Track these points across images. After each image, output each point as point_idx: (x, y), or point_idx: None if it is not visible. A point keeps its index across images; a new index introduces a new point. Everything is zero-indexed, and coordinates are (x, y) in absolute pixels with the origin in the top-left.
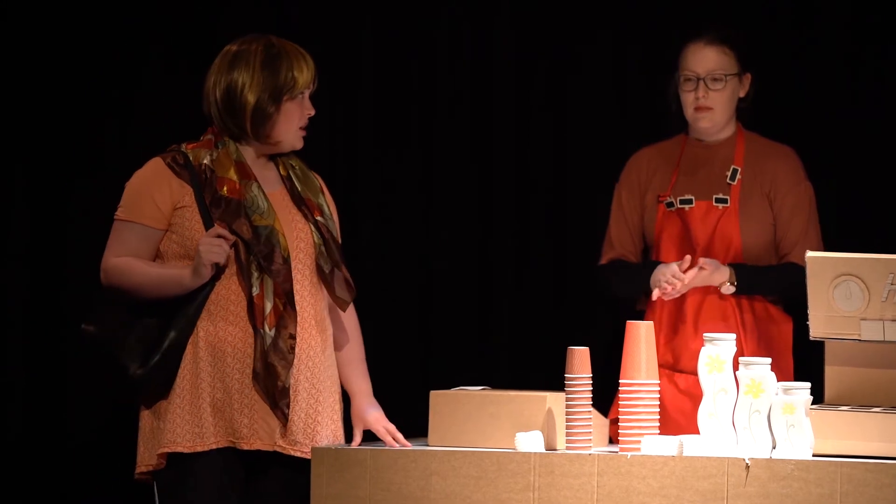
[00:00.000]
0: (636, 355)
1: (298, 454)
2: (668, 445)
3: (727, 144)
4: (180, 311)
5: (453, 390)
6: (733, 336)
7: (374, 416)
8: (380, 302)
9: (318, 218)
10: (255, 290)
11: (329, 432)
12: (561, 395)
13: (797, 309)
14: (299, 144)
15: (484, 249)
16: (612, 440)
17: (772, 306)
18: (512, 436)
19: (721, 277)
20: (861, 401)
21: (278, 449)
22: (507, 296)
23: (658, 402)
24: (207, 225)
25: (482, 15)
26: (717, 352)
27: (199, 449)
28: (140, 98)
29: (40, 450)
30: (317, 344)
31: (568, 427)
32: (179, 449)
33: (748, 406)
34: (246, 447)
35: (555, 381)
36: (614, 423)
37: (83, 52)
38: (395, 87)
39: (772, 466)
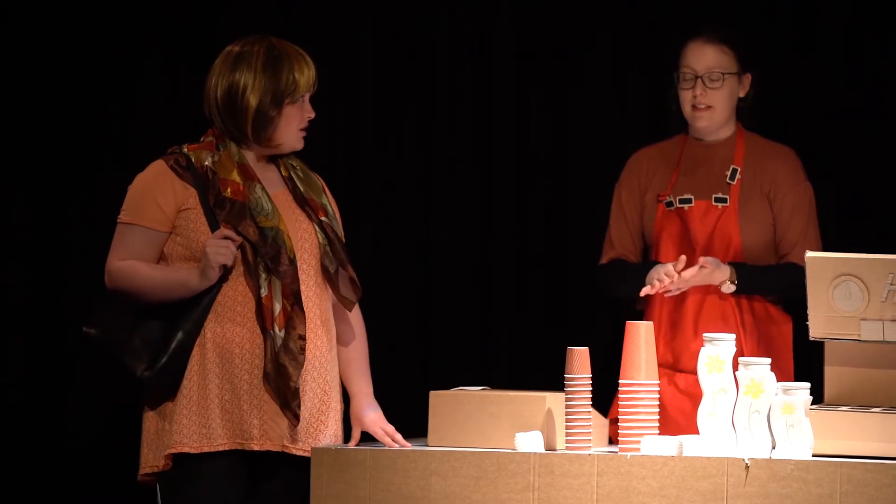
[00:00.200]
0: (636, 355)
1: (302, 453)
2: (667, 445)
3: (727, 144)
4: (186, 312)
5: (453, 390)
6: (733, 336)
7: (371, 417)
8: (380, 302)
9: (323, 218)
10: (264, 292)
11: (331, 432)
12: (561, 396)
13: (797, 309)
14: (299, 146)
15: (484, 249)
16: (612, 440)
17: (771, 306)
18: (512, 436)
19: (721, 276)
20: (861, 401)
21: (286, 449)
22: (507, 296)
23: (657, 403)
24: (212, 227)
25: (482, 15)
26: (716, 352)
27: (206, 449)
28: (140, 98)
29: (40, 451)
30: (323, 344)
31: (567, 427)
32: (187, 449)
33: (748, 406)
34: (256, 448)
35: (555, 381)
36: (614, 422)
37: (83, 52)
38: (395, 88)
39: (771, 467)
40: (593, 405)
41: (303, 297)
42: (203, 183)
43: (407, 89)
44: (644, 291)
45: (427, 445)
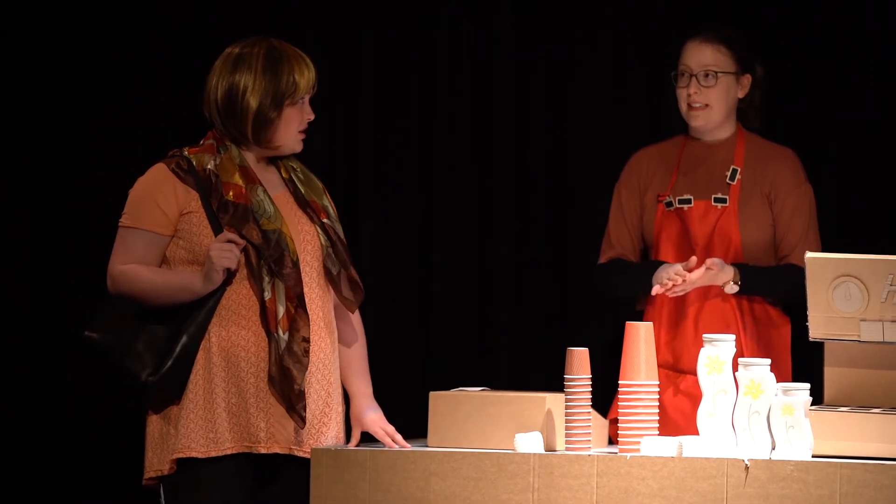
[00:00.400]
0: (635, 356)
1: (306, 455)
2: (667, 446)
3: (727, 145)
4: (190, 316)
5: (453, 391)
6: (733, 337)
7: (371, 417)
8: (380, 302)
9: (325, 220)
10: (268, 295)
11: (334, 433)
12: (560, 396)
13: (797, 311)
14: (299, 148)
15: (484, 250)
16: (612, 440)
17: (771, 308)
18: (511, 437)
19: (725, 277)
20: (860, 402)
21: (293, 452)
22: (507, 296)
23: (657, 403)
24: (215, 230)
25: (482, 15)
26: (716, 353)
27: (213, 454)
28: (139, 98)
29: (40, 452)
30: (327, 346)
31: (567, 428)
32: (194, 454)
33: (747, 407)
34: (264, 450)
35: (554, 381)
36: (614, 423)
37: (83, 52)
38: (395, 88)
39: (771, 467)
40: (593, 406)
41: (306, 300)
42: (205, 186)
43: (407, 89)
44: (655, 291)
45: (427, 446)
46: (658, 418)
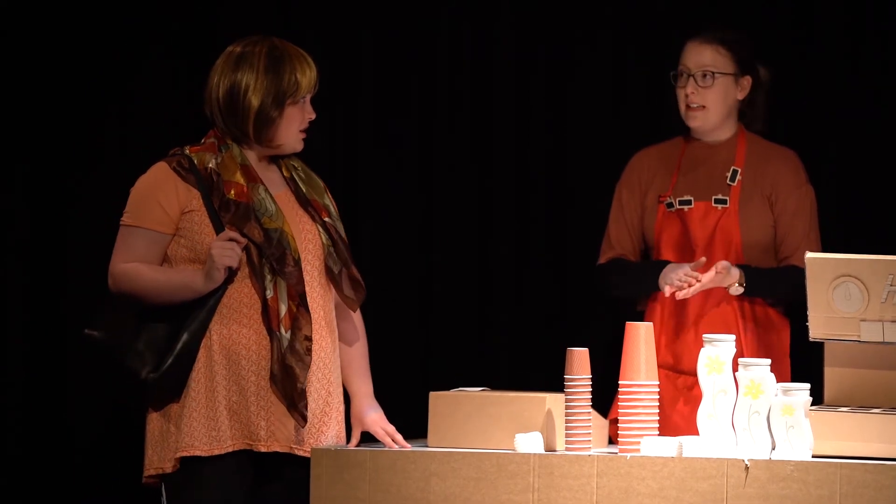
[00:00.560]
0: (635, 356)
1: (306, 454)
2: (667, 446)
3: (728, 145)
4: (191, 314)
5: (453, 391)
6: (733, 337)
7: (372, 417)
8: (380, 302)
9: (326, 219)
10: (269, 293)
11: (334, 433)
12: (560, 397)
13: (797, 312)
14: (300, 147)
15: (484, 250)
16: (612, 440)
17: (771, 310)
18: (511, 437)
19: (731, 279)
20: (860, 402)
21: (293, 451)
22: (507, 296)
23: (657, 404)
24: (217, 229)
25: (482, 15)
26: (716, 353)
27: (215, 452)
28: (139, 97)
29: (40, 451)
30: (328, 345)
31: (567, 428)
32: (196, 452)
33: (747, 407)
34: (264, 449)
35: (554, 381)
36: (614, 423)
37: (83, 52)
38: (395, 88)
39: (771, 468)
40: (593, 406)
41: (308, 298)
42: (207, 185)
43: (407, 89)
44: (666, 292)
45: (427, 446)
46: (658, 418)
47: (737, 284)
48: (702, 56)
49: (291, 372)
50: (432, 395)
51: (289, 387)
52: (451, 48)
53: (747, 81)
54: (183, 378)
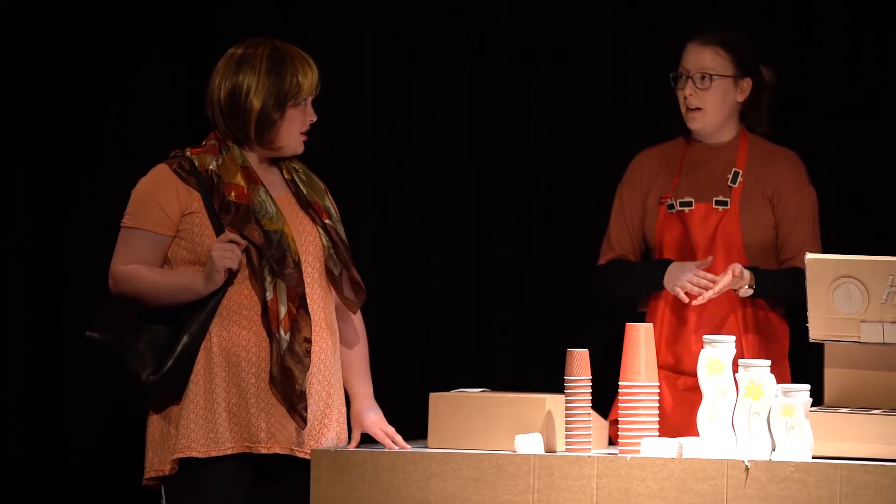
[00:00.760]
0: (635, 357)
1: (306, 456)
2: (667, 447)
3: (729, 147)
4: (191, 316)
5: (453, 392)
6: (733, 338)
7: (372, 419)
8: (380, 302)
9: (326, 221)
10: (269, 295)
11: (334, 434)
12: (560, 398)
13: (797, 313)
14: (300, 149)
15: (484, 250)
16: (612, 441)
17: (772, 312)
18: (511, 438)
19: (743, 281)
20: (860, 403)
21: (293, 453)
22: (507, 297)
23: (657, 405)
24: (217, 230)
25: (482, 15)
26: (716, 354)
27: (214, 454)
28: (139, 97)
29: (40, 452)
30: (328, 347)
31: (567, 429)
32: (195, 454)
33: (748, 408)
34: (264, 451)
35: (555, 382)
36: (614, 424)
37: (83, 52)
38: (394, 88)
39: (771, 468)
40: (593, 407)
41: (308, 300)
42: (207, 187)
43: (407, 89)
44: (682, 297)
45: (427, 447)
46: (658, 419)
47: (746, 286)
48: (700, 58)
49: (290, 374)
50: (432, 396)
51: (288, 389)
52: (451, 48)
53: (747, 83)
54: (183, 380)
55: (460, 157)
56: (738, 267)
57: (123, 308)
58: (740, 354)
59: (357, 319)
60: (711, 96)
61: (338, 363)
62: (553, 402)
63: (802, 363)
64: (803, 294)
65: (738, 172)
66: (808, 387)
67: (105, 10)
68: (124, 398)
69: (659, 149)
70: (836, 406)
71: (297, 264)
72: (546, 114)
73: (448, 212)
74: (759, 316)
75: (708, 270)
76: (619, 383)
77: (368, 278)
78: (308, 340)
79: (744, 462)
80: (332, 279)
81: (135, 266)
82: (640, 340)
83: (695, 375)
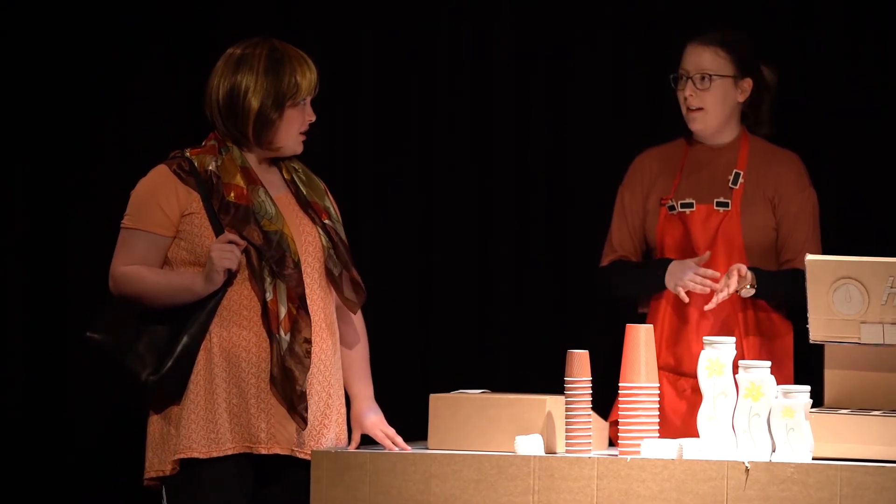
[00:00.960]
0: (636, 358)
1: (306, 456)
2: (667, 449)
3: (731, 148)
4: (191, 317)
5: (453, 393)
6: (733, 339)
7: (372, 420)
8: (380, 303)
9: (326, 221)
10: (269, 296)
11: (334, 435)
12: (561, 399)
13: (798, 314)
14: (299, 150)
15: (484, 251)
16: (612, 442)
17: (774, 313)
18: (512, 439)
19: (746, 282)
20: (861, 404)
21: (294, 453)
22: (507, 298)
23: (657, 406)
24: (217, 231)
25: (482, 15)
26: (716, 355)
27: (214, 454)
28: (139, 97)
29: (40, 452)
30: (328, 347)
31: (567, 430)
32: (195, 455)
33: (748, 409)
34: (264, 451)
35: (555, 383)
36: (614, 425)
37: (83, 52)
38: (395, 88)
39: (771, 470)
40: (593, 408)
41: (308, 301)
42: (207, 187)
43: (407, 89)
44: (683, 296)
45: (427, 448)
46: (658, 421)
47: (748, 286)
48: (700, 58)
49: (291, 374)
50: (432, 397)
51: (288, 389)
52: (451, 48)
53: (748, 84)
54: (183, 380)
55: (460, 157)
56: (742, 267)
57: (123, 309)
58: (741, 355)
59: (357, 320)
60: (712, 96)
61: (338, 364)
62: (553, 403)
63: (803, 364)
64: (803, 295)
65: (739, 174)
66: (808, 388)
67: (105, 10)
68: (124, 398)
69: (660, 150)
70: (836, 407)
71: (297, 265)
72: (546, 114)
73: (448, 212)
74: (760, 317)
75: (709, 270)
76: (620, 384)
77: (368, 278)
78: (308, 341)
79: (744, 463)
80: (332, 279)
81: (135, 267)
82: (641, 341)
83: (695, 376)
